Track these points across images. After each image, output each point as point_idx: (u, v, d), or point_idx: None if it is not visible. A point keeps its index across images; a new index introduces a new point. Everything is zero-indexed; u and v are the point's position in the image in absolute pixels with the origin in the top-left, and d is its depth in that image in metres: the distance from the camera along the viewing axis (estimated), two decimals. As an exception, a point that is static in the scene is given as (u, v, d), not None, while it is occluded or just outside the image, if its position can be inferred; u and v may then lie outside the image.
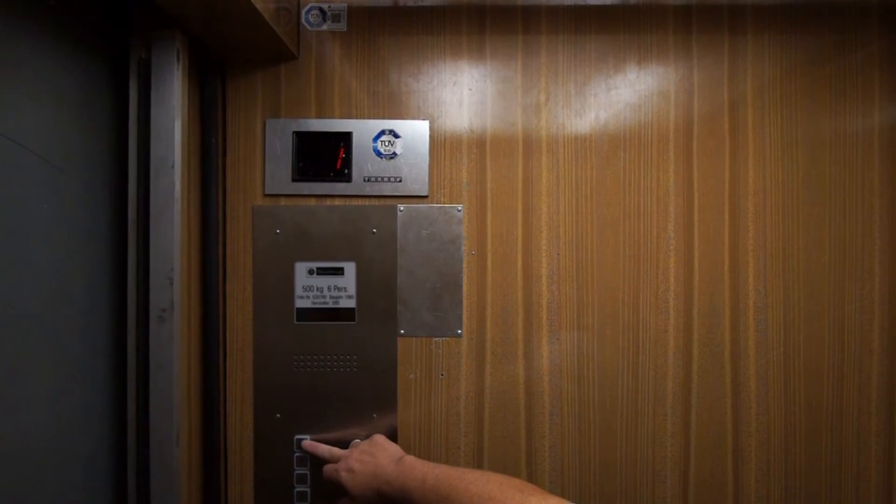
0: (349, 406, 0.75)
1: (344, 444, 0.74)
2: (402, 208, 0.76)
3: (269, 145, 0.75)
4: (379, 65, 0.76)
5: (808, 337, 0.76)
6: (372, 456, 0.65)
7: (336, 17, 0.76)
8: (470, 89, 0.76)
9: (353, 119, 0.76)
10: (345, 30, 0.76)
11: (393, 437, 0.75)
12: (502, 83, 0.76)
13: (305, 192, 0.75)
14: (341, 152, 0.75)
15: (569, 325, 0.76)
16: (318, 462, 0.73)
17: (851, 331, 0.76)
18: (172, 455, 0.63)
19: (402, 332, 0.76)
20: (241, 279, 0.75)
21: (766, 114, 0.76)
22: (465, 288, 0.76)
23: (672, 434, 0.76)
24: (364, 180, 0.76)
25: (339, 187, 0.75)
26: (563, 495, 0.57)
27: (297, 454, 0.75)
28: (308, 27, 0.76)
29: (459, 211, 0.76)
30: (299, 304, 0.75)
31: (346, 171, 0.75)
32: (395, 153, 0.76)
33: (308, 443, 0.74)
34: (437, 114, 0.76)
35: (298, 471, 0.75)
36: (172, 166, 0.62)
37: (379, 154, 0.76)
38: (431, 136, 0.76)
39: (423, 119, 0.76)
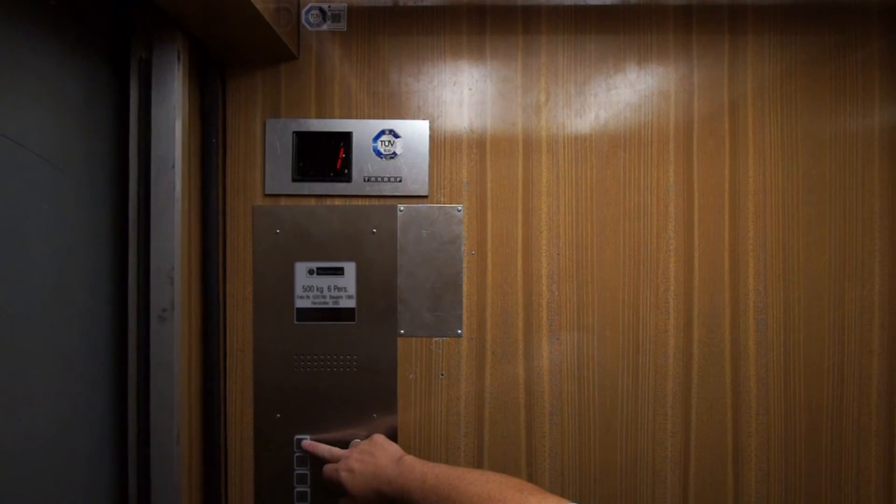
0: (349, 406, 0.75)
1: (344, 444, 0.74)
2: (402, 208, 0.76)
3: (269, 145, 0.75)
4: (379, 65, 0.76)
5: (808, 337, 0.76)
6: (372, 456, 0.65)
7: (336, 17, 0.76)
8: (470, 89, 0.76)
9: (353, 119, 0.76)
10: (345, 30, 0.76)
11: (393, 437, 0.75)
12: (502, 83, 0.76)
13: (305, 192, 0.75)
14: (341, 152, 0.75)
15: (569, 325, 0.76)
16: (318, 462, 0.73)
17: (851, 331, 0.76)
18: (173, 454, 0.63)
19: (402, 332, 0.76)
20: (242, 279, 0.75)
21: (767, 114, 0.76)
22: (465, 288, 0.76)
23: (672, 434, 0.77)
24: (364, 180, 0.76)
25: (339, 187, 0.76)
26: (563, 495, 0.57)
27: (297, 454, 0.75)
28: (308, 27, 0.76)
29: (459, 211, 0.76)
30: (299, 304, 0.75)
31: (346, 171, 0.75)
32: (395, 153, 0.76)
33: (308, 443, 0.74)
34: (438, 114, 0.76)
35: (298, 470, 0.75)
36: (173, 166, 0.62)
37: (379, 154, 0.76)
38: (431, 136, 0.76)
39: (424, 119, 0.76)
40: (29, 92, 0.51)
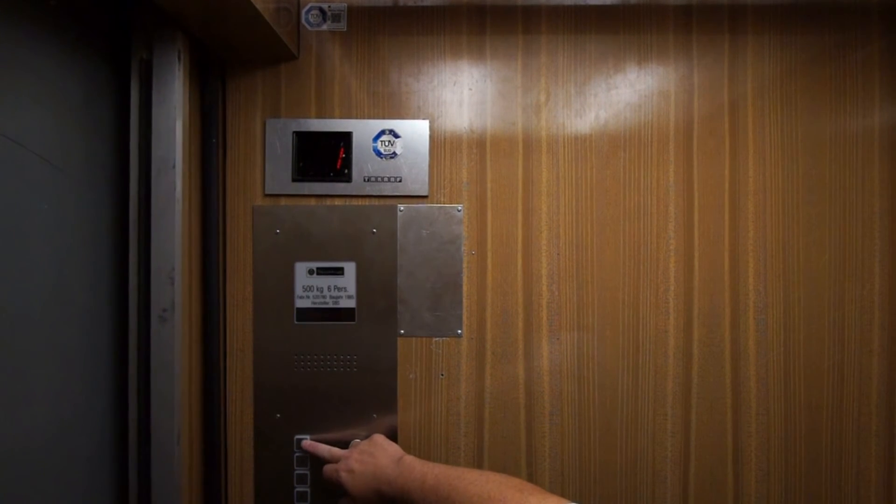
0: (349, 406, 0.75)
1: (344, 444, 0.74)
2: (402, 208, 0.76)
3: (269, 145, 0.75)
4: (379, 65, 0.76)
5: (808, 337, 0.76)
6: (371, 456, 0.65)
7: (336, 17, 0.76)
8: (470, 89, 0.76)
9: (353, 119, 0.76)
10: (345, 30, 0.76)
11: (393, 437, 0.75)
12: (502, 83, 0.76)
13: (305, 192, 0.75)
14: (341, 152, 0.75)
15: (569, 325, 0.76)
16: (318, 462, 0.73)
17: (851, 331, 0.76)
18: (174, 454, 0.63)
19: (402, 332, 0.76)
20: (242, 279, 0.75)
21: (767, 114, 0.76)
22: (465, 288, 0.76)
23: (672, 434, 0.77)
24: (364, 180, 0.76)
25: (339, 187, 0.76)
26: (563, 495, 0.57)
27: (297, 454, 0.75)
28: (308, 27, 0.76)
29: (459, 211, 0.76)
30: (299, 304, 0.75)
31: (346, 171, 0.75)
32: (395, 153, 0.76)
33: (308, 443, 0.74)
34: (437, 114, 0.76)
35: (298, 471, 0.75)
36: (174, 166, 0.62)
37: (379, 154, 0.76)
38: (431, 136, 0.76)
39: (424, 119, 0.76)
40: (29, 92, 0.51)
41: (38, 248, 0.53)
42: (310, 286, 0.75)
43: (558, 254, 0.76)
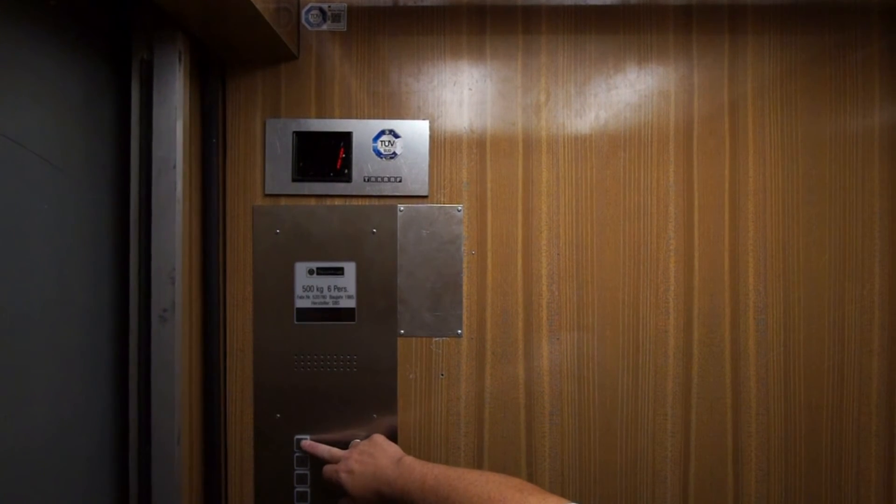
0: (349, 406, 0.75)
1: (344, 445, 0.74)
2: (402, 208, 0.76)
3: (269, 145, 0.75)
4: (379, 65, 0.76)
5: (808, 337, 0.76)
6: (371, 457, 0.65)
7: (336, 17, 0.76)
8: (470, 89, 0.76)
9: (353, 119, 0.76)
10: (345, 30, 0.76)
11: (393, 437, 0.75)
12: (502, 83, 0.76)
13: (305, 192, 0.75)
14: (341, 152, 0.75)
15: (569, 325, 0.76)
16: (318, 462, 0.73)
17: (851, 331, 0.76)
18: (174, 454, 0.63)
19: (402, 332, 0.76)
20: (242, 279, 0.75)
21: (767, 114, 0.76)
22: (465, 288, 0.76)
23: (672, 434, 0.77)
24: (364, 180, 0.76)
25: (339, 187, 0.76)
26: (563, 495, 0.57)
27: (297, 454, 0.75)
28: (308, 27, 0.76)
29: (459, 211, 0.76)
30: (299, 304, 0.75)
31: (346, 171, 0.75)
32: (395, 153, 0.76)
33: (307, 443, 0.74)
34: (437, 114, 0.76)
35: (298, 471, 0.75)
36: (174, 167, 0.63)
37: (379, 154, 0.76)
38: (431, 136, 0.76)
39: (423, 119, 0.76)
40: (29, 92, 0.51)
41: (38, 249, 0.53)
42: (310, 286, 0.75)
43: (558, 254, 0.76)
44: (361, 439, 0.73)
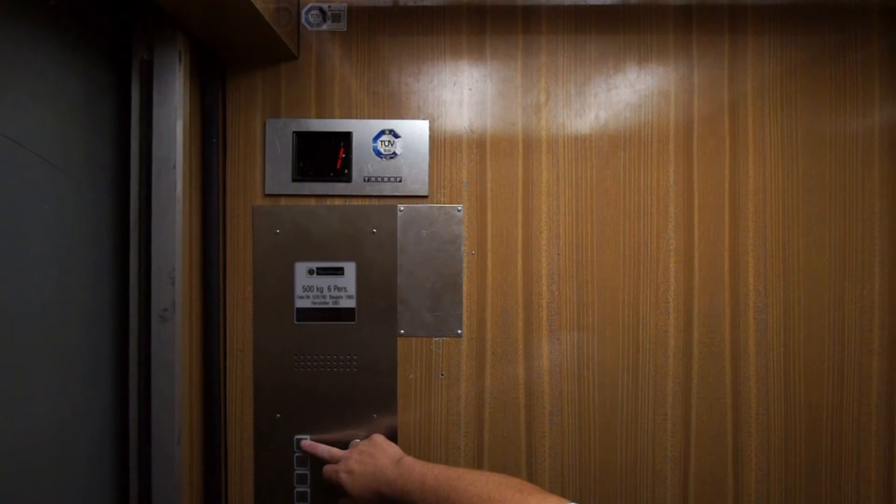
0: (349, 406, 0.75)
1: (344, 445, 0.74)
2: (402, 208, 0.76)
3: (269, 145, 0.75)
4: (379, 65, 0.76)
5: (808, 337, 0.76)
6: (371, 457, 0.65)
7: (336, 17, 0.76)
8: (470, 89, 0.76)
9: (353, 119, 0.76)
10: (345, 30, 0.76)
11: (393, 437, 0.75)
12: (502, 83, 0.76)
13: (305, 192, 0.75)
14: (341, 152, 0.75)
15: (569, 325, 0.76)
16: (318, 462, 0.73)
17: (851, 331, 0.76)
18: (174, 454, 0.63)
19: (402, 332, 0.76)
20: (242, 279, 0.75)
21: (767, 114, 0.76)
22: (465, 288, 0.76)
23: (672, 434, 0.77)
24: (364, 180, 0.76)
25: (339, 187, 0.76)
26: (563, 495, 0.57)
27: (297, 454, 0.75)
28: (308, 27, 0.76)
29: (459, 211, 0.76)
30: (299, 304, 0.75)
31: (346, 171, 0.75)
32: (395, 153, 0.76)
33: (307, 443, 0.74)
34: (437, 114, 0.76)
35: (298, 471, 0.75)
36: (174, 167, 0.63)
37: (379, 154, 0.76)
38: (431, 136, 0.76)
39: (423, 119, 0.76)
40: (29, 92, 0.51)
41: (38, 249, 0.53)
42: (310, 286, 0.75)
43: (558, 254, 0.76)
44: (361, 439, 0.73)
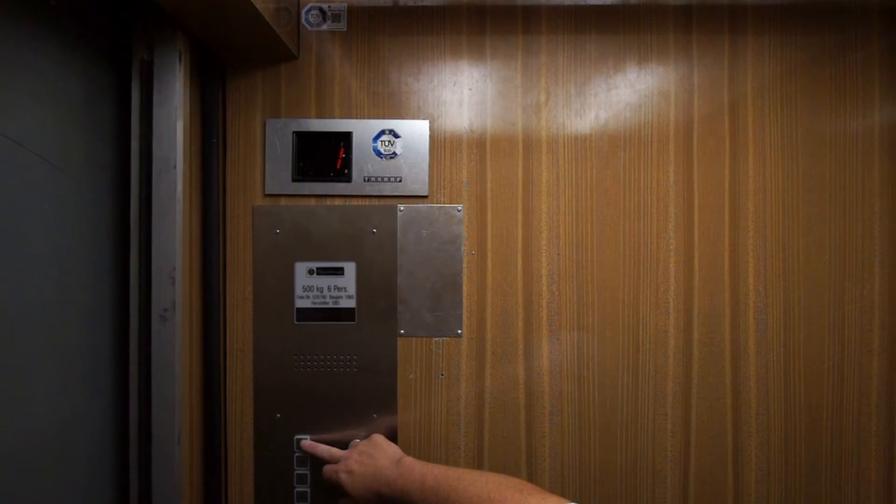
0: (349, 406, 0.75)
1: (344, 445, 0.74)
2: (402, 208, 0.76)
3: (269, 145, 0.75)
4: (379, 65, 0.76)
5: (808, 337, 0.76)
6: (371, 457, 0.65)
7: (336, 17, 0.76)
8: (470, 89, 0.76)
9: (353, 119, 0.76)
10: (345, 30, 0.76)
11: (393, 437, 0.75)
12: (502, 83, 0.76)
13: (305, 192, 0.75)
14: (341, 152, 0.75)
15: (569, 325, 0.76)
16: (318, 462, 0.73)
17: (851, 331, 0.76)
18: (174, 454, 0.63)
19: (402, 332, 0.76)
20: (242, 279, 0.75)
21: (767, 114, 0.76)
22: (465, 288, 0.76)
23: (672, 434, 0.77)
24: (364, 180, 0.76)
25: (339, 187, 0.76)
26: (563, 495, 0.57)
27: (297, 454, 0.75)
28: (308, 27, 0.76)
29: (459, 211, 0.76)
30: (299, 304, 0.75)
31: (346, 171, 0.75)
32: (395, 153, 0.76)
33: (307, 443, 0.74)
34: (437, 114, 0.76)
35: (298, 471, 0.75)
36: (175, 167, 0.63)
37: (379, 154, 0.76)
38: (431, 136, 0.76)
39: (423, 119, 0.76)
40: (29, 92, 0.51)
41: (38, 249, 0.53)
42: (310, 286, 0.75)
43: (558, 254, 0.76)
44: (361, 439, 0.73)
